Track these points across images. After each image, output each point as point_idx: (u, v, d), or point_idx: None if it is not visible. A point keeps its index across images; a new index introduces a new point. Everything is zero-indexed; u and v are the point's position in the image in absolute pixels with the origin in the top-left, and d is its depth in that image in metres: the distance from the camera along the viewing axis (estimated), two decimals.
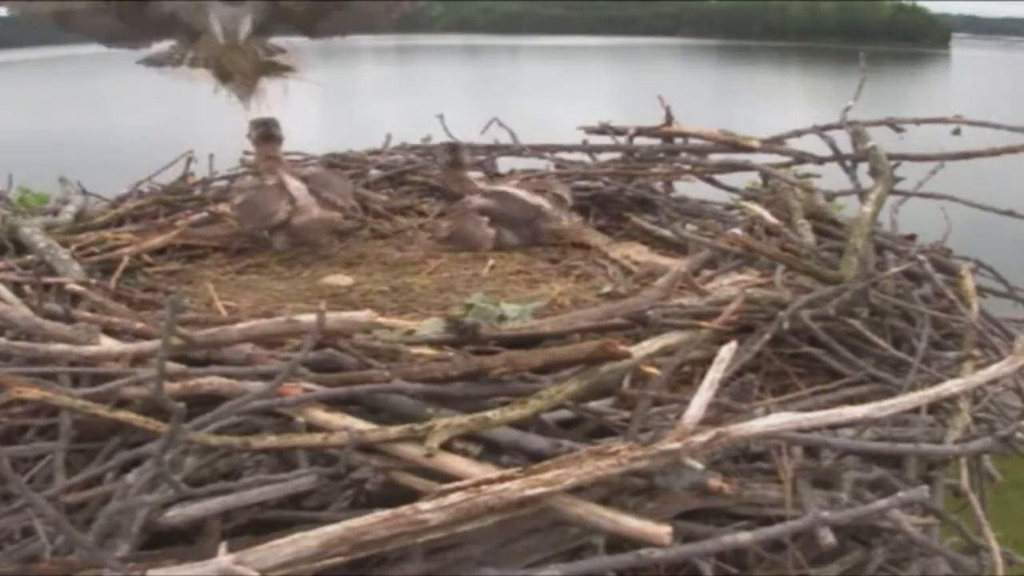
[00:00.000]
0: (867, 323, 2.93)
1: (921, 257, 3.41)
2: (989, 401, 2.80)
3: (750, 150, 4.28)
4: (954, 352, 3.01)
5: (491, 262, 3.72)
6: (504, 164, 4.94)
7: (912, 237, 3.73)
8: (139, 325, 2.69)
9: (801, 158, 4.24)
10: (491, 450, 2.23)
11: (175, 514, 2.13)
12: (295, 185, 3.83)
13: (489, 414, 2.23)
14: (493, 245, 3.92)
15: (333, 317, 2.45)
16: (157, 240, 3.79)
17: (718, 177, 4.45)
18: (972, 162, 3.84)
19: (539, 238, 3.98)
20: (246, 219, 3.89)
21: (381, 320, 2.81)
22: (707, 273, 3.35)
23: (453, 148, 4.35)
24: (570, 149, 4.94)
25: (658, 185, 4.46)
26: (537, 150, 4.96)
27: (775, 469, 2.33)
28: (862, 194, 3.75)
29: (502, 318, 2.96)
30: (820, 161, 4.17)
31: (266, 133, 3.94)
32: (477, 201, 4.01)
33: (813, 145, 4.29)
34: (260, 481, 2.18)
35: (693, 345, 2.65)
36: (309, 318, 2.46)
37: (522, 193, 4.03)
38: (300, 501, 2.22)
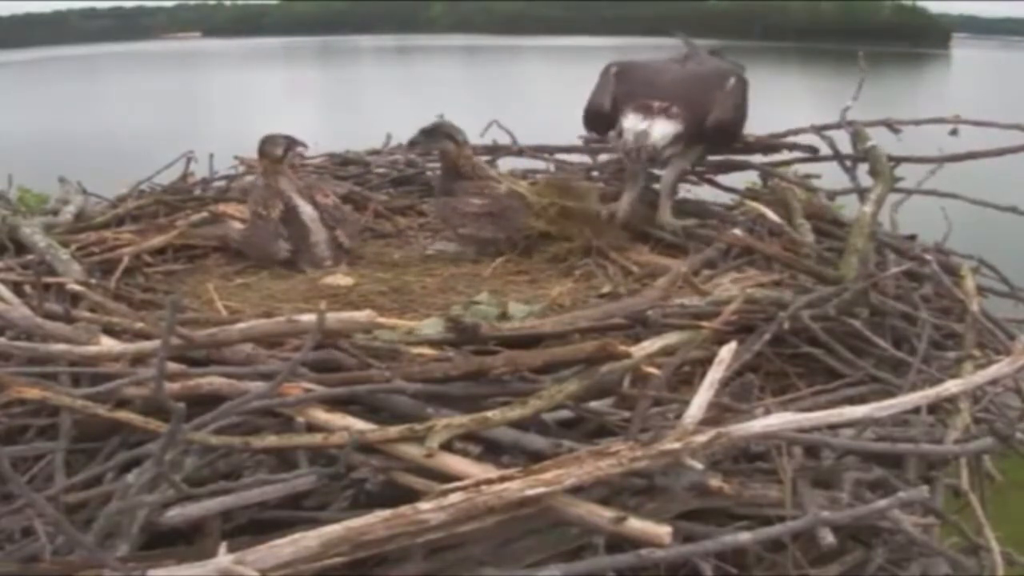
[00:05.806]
0: (867, 323, 2.93)
1: (928, 257, 3.41)
2: (989, 401, 2.80)
3: (750, 150, 4.28)
4: (954, 352, 3.01)
5: (491, 262, 3.72)
6: (504, 165, 4.92)
7: (912, 237, 3.73)
8: (139, 325, 2.69)
9: (801, 148, 4.22)
10: (491, 450, 2.23)
11: (175, 514, 2.13)
12: (309, 214, 3.73)
13: (489, 414, 2.23)
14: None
15: (333, 317, 2.45)
16: (157, 240, 3.78)
17: (718, 176, 4.44)
18: (972, 162, 3.83)
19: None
20: (249, 253, 3.83)
21: (381, 320, 2.80)
22: (707, 273, 3.35)
23: None
24: (570, 150, 4.92)
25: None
26: (537, 151, 4.95)
27: (775, 469, 2.33)
28: (862, 194, 3.75)
29: (502, 318, 2.96)
30: (815, 151, 4.16)
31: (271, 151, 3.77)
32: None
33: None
34: (260, 481, 2.18)
35: (693, 345, 2.65)
36: (309, 318, 2.46)
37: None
38: (300, 501, 2.23)
